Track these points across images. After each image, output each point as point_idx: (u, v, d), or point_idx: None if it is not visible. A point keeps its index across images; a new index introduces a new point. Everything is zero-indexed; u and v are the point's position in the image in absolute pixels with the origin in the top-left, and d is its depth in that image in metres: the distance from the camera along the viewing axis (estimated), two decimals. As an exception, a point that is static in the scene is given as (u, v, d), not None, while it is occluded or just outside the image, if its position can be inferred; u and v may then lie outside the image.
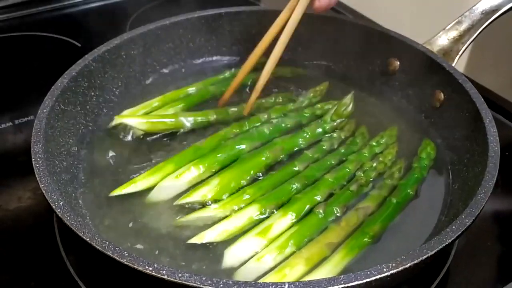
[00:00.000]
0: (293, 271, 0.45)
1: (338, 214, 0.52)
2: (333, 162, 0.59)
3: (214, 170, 0.57)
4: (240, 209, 0.52)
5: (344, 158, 0.60)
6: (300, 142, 0.62)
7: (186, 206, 0.53)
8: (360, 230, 0.51)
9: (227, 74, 0.73)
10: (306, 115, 0.66)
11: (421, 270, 0.44)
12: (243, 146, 0.60)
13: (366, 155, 0.60)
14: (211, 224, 0.51)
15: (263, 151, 0.59)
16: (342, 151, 0.60)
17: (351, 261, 0.48)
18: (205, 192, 0.53)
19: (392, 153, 0.60)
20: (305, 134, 0.62)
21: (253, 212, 0.52)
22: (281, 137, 0.62)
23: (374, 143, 0.61)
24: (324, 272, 0.46)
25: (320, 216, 0.51)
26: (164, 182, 0.55)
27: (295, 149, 0.61)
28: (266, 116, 0.65)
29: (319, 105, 0.67)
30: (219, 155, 0.58)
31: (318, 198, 0.54)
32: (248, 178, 0.56)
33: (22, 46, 0.89)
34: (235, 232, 0.50)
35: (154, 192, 0.54)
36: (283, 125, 0.64)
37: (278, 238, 0.49)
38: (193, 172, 0.56)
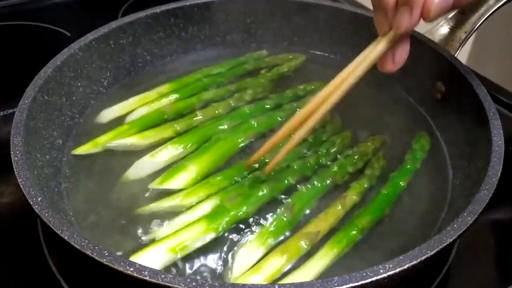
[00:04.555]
0: (270, 265, 0.44)
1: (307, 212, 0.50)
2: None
3: (191, 150, 0.56)
4: (199, 202, 0.50)
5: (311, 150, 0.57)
6: (279, 119, 0.60)
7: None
8: (348, 223, 0.49)
9: (225, 65, 0.70)
10: (288, 94, 0.65)
11: (420, 271, 0.41)
12: (222, 127, 0.59)
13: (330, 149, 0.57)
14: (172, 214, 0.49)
15: (238, 133, 0.58)
16: (310, 140, 0.58)
17: (340, 254, 0.46)
18: (182, 181, 0.52)
19: (367, 150, 0.57)
20: (282, 113, 0.61)
21: (207, 207, 0.49)
22: (256, 117, 0.60)
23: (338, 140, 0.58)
24: (310, 266, 0.45)
25: (284, 219, 0.49)
26: (141, 160, 0.54)
27: (268, 129, 0.60)
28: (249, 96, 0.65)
29: (301, 86, 0.66)
30: (197, 135, 0.57)
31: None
32: (224, 162, 0.56)
33: (10, 35, 0.86)
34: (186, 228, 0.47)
35: (130, 170, 0.54)
36: (264, 105, 0.63)
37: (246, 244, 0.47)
38: (170, 151, 0.55)
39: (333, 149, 0.57)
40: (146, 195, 0.52)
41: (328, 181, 0.53)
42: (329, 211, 0.49)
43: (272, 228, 0.47)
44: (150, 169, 0.55)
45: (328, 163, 0.55)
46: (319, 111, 0.47)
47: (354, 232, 0.47)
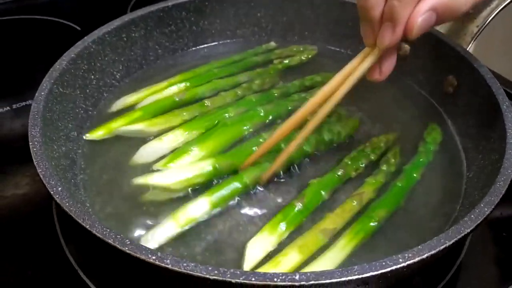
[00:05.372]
0: (287, 260, 0.44)
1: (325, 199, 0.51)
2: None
3: (197, 135, 0.57)
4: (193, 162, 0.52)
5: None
6: (289, 108, 0.61)
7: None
8: (364, 215, 0.49)
9: (232, 59, 0.70)
10: (295, 84, 0.66)
11: (436, 262, 0.42)
12: (229, 114, 0.60)
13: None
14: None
15: (244, 120, 0.58)
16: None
17: (356, 247, 0.46)
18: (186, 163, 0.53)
19: (379, 143, 0.57)
20: (289, 103, 0.62)
21: (204, 166, 0.51)
22: (263, 105, 0.61)
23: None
24: (328, 258, 0.45)
25: (296, 210, 0.49)
26: (148, 144, 0.55)
27: (274, 117, 0.60)
28: (257, 86, 0.65)
29: (308, 77, 0.67)
30: (204, 122, 0.59)
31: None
32: (228, 147, 0.57)
33: (21, 29, 0.86)
34: (183, 182, 0.49)
35: (137, 154, 0.55)
36: (271, 95, 0.64)
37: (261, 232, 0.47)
38: (177, 136, 0.56)
39: (340, 135, 0.57)
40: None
41: (339, 173, 0.53)
42: (345, 207, 0.49)
43: (284, 219, 0.48)
44: (157, 154, 0.55)
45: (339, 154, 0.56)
46: (310, 125, 0.49)
47: (371, 224, 0.48)
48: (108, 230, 0.38)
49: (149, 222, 0.49)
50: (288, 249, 0.45)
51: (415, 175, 0.53)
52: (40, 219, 0.54)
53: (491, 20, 0.61)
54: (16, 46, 0.82)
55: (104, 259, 0.49)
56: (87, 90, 0.60)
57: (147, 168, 0.54)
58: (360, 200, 0.50)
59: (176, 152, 0.54)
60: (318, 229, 0.47)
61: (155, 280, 0.40)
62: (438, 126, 0.60)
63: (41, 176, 0.43)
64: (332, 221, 0.48)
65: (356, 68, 0.48)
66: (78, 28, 0.85)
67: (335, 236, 0.47)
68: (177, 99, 0.62)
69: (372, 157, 0.56)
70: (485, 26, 0.61)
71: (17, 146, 0.63)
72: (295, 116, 0.50)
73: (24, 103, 0.70)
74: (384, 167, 0.54)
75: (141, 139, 0.57)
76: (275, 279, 0.35)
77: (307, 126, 0.49)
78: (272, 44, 0.74)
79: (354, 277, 0.36)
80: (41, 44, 0.82)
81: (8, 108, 0.69)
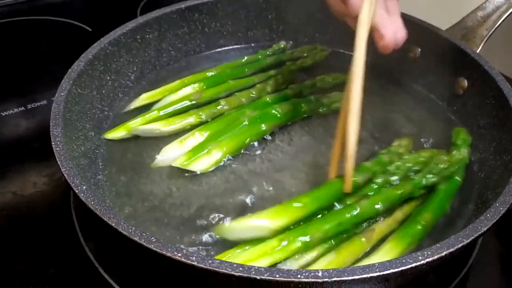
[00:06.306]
0: (323, 260, 0.45)
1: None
2: None
3: (216, 137, 0.58)
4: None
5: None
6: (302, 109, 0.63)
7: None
8: (410, 219, 0.49)
9: (244, 59, 0.71)
10: (307, 84, 0.66)
11: (451, 260, 0.43)
12: (247, 115, 0.60)
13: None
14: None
15: (261, 121, 0.60)
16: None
17: (403, 252, 0.46)
18: (203, 165, 0.55)
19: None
20: (302, 105, 0.63)
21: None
22: (279, 106, 0.62)
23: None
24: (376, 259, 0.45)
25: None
26: (169, 146, 0.57)
27: (290, 117, 0.62)
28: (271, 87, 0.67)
29: (319, 77, 0.68)
30: (222, 123, 0.59)
31: None
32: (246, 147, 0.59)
33: (32, 30, 0.87)
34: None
35: (160, 157, 0.56)
36: (285, 95, 0.65)
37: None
38: (197, 138, 0.57)
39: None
40: (176, 187, 0.54)
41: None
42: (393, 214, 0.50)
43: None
44: (178, 156, 0.56)
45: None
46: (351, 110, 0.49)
47: (418, 227, 0.47)
48: (133, 228, 0.39)
49: (167, 222, 0.50)
50: (330, 254, 0.46)
51: (457, 178, 0.53)
52: (59, 218, 0.54)
53: (501, 23, 0.62)
54: (28, 47, 0.83)
55: (124, 256, 0.50)
56: (103, 91, 0.61)
57: (167, 170, 0.55)
58: (404, 212, 0.50)
59: (195, 151, 0.55)
60: (359, 235, 0.47)
61: (179, 276, 0.41)
62: (465, 128, 0.60)
63: (65, 175, 0.44)
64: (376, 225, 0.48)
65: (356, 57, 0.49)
66: (89, 29, 0.86)
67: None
68: (193, 100, 0.63)
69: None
70: (495, 29, 0.62)
71: (33, 146, 0.64)
72: (340, 123, 0.51)
73: (38, 104, 0.70)
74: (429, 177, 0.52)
75: (157, 139, 0.59)
76: (299, 276, 0.36)
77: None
78: (282, 43, 0.75)
79: (375, 274, 0.37)
80: (53, 45, 0.83)
81: (22, 108, 0.70)
